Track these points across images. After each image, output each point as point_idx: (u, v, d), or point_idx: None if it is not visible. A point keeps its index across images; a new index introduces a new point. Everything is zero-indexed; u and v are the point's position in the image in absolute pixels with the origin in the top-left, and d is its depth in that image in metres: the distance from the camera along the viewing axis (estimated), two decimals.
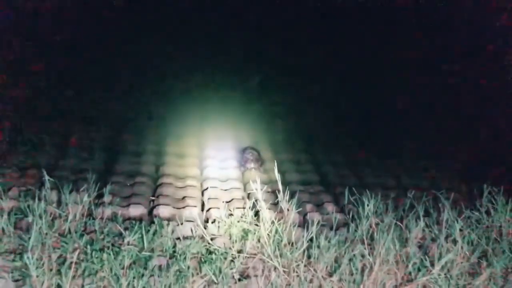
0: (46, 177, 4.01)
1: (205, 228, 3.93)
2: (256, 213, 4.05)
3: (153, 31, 6.55)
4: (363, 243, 3.78)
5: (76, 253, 3.52)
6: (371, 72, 6.52)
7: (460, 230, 3.86)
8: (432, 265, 3.63)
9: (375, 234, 3.82)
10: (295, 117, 6.20)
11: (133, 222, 3.99)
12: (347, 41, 6.81)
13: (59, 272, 3.39)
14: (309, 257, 3.70)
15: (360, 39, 6.72)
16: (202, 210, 4.28)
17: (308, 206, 4.49)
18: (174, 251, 3.72)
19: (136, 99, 6.03)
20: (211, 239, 3.86)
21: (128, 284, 3.35)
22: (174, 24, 6.66)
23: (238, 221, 4.01)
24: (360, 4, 6.54)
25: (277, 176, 4.03)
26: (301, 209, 4.29)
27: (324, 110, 6.35)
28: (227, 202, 4.41)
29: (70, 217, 3.87)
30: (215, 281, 3.51)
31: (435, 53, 6.37)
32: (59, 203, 4.05)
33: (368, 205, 4.04)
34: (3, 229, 3.73)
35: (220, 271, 3.54)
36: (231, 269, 3.61)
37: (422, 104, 6.34)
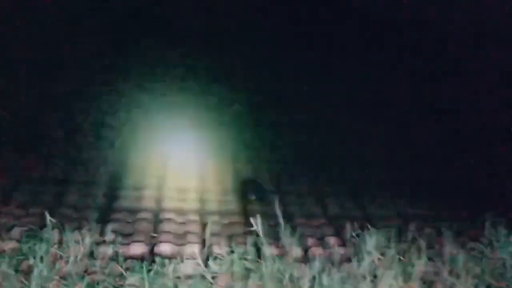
0: (48, 218, 4.01)
1: (206, 266, 3.92)
2: (258, 250, 4.05)
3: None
4: (366, 279, 3.77)
5: None
6: (366, 101, 6.53)
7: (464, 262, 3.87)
8: None
9: (378, 269, 3.84)
10: (296, 146, 6.18)
11: (135, 261, 3.99)
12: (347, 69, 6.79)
13: None
14: None
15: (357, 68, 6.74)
16: (203, 247, 4.25)
17: (311, 240, 4.47)
18: None
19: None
20: (213, 278, 3.83)
21: None
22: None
23: (240, 259, 3.99)
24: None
25: (278, 209, 4.03)
26: (303, 245, 4.30)
27: (325, 138, 6.33)
28: (229, 237, 4.39)
29: (72, 258, 3.87)
30: None
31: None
32: (60, 243, 4.05)
33: (370, 239, 4.06)
34: (4, 273, 3.72)
35: None
36: None
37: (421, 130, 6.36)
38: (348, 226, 4.31)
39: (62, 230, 4.06)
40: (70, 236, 4.00)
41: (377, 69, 6.49)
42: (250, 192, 5.09)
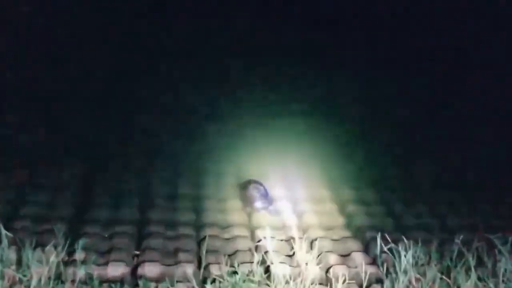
0: (3, 232, 3.81)
1: None
2: (267, 269, 3.92)
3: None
4: None
5: None
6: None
7: None
8: None
9: None
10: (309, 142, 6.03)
11: (113, 285, 3.76)
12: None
13: None
14: None
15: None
16: (199, 267, 4.03)
17: (332, 258, 4.18)
18: None
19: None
20: None
21: None
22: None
23: (244, 281, 3.77)
24: None
25: (292, 219, 3.98)
26: (322, 263, 4.05)
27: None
28: (230, 255, 4.15)
29: (33, 282, 3.64)
30: None
31: None
32: (19, 263, 3.81)
33: (406, 255, 3.86)
34: None
35: None
36: None
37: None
38: (378, 239, 4.06)
39: (21, 247, 3.87)
40: (31, 255, 3.80)
41: None
42: (253, 198, 4.82)
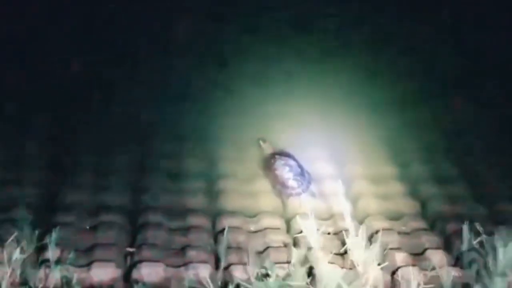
0: None
1: None
2: (310, 271, 3.97)
3: None
4: None
5: None
6: None
7: None
8: None
9: None
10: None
11: None
12: None
13: None
14: None
15: None
16: (217, 268, 4.10)
17: (400, 257, 4.21)
18: None
19: None
20: None
21: None
22: None
23: (280, 286, 3.83)
24: None
25: (344, 205, 3.96)
26: (387, 262, 4.09)
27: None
28: (258, 253, 4.23)
29: None
30: None
31: None
32: None
33: (504, 252, 3.91)
34: None
35: None
36: None
37: None
38: (463, 231, 4.14)
39: None
40: None
41: None
42: (282, 178, 4.90)
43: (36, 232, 4.06)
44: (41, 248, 4.05)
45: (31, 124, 5.86)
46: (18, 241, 3.96)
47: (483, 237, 4.07)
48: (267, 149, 5.09)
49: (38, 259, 4.03)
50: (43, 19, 7.26)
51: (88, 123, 5.94)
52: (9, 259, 3.83)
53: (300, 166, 4.92)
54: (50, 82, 6.42)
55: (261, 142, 5.09)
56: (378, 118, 5.98)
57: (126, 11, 7.35)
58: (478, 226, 4.19)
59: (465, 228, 4.16)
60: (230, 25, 7.49)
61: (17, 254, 3.85)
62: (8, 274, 3.80)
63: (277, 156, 4.98)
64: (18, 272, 3.86)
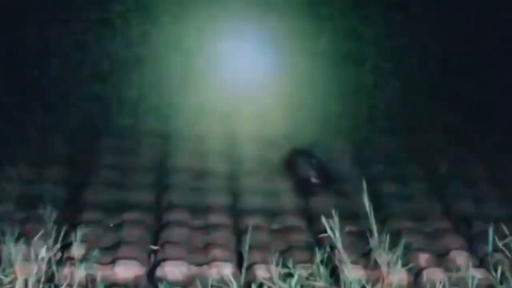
0: None
1: None
2: (333, 271, 3.99)
3: None
4: None
5: None
6: None
7: None
8: None
9: None
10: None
11: None
12: None
13: None
14: None
15: None
16: (239, 267, 4.14)
17: (424, 257, 4.28)
18: None
19: None
20: None
21: None
22: None
23: (303, 286, 3.89)
24: None
25: (366, 205, 3.99)
26: (412, 264, 4.12)
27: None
28: (281, 252, 4.25)
29: (19, 284, 3.78)
30: None
31: None
32: None
33: None
34: None
35: None
36: None
37: None
38: (489, 232, 4.12)
39: (1, 240, 4.01)
40: (14, 250, 3.90)
41: None
42: (308, 173, 5.00)
43: (61, 230, 4.07)
44: (66, 246, 4.08)
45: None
46: (44, 239, 3.99)
47: (509, 239, 4.07)
48: (289, 146, 5.15)
49: (63, 257, 4.06)
50: None
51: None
52: (36, 256, 3.85)
53: (322, 163, 4.98)
54: None
55: (282, 140, 5.14)
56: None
57: None
58: (505, 227, 4.19)
59: (491, 229, 4.14)
60: None
61: (43, 252, 3.86)
62: (34, 271, 3.81)
63: (299, 153, 5.03)
64: (43, 269, 3.87)
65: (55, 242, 3.98)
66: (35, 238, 3.99)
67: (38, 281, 3.82)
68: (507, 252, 4.00)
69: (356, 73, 6.61)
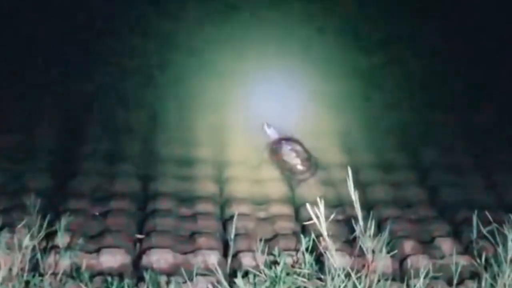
0: None
1: None
2: (319, 258, 3.99)
3: None
4: None
5: None
6: None
7: None
8: None
9: None
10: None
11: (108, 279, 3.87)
12: None
13: None
14: None
15: None
16: (225, 255, 4.14)
17: (409, 244, 4.29)
18: None
19: None
20: None
21: None
22: None
23: (288, 274, 3.87)
24: None
25: (352, 192, 3.93)
26: (396, 250, 4.11)
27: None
28: (267, 240, 4.26)
29: (2, 273, 3.74)
30: None
31: None
32: None
33: None
34: None
35: None
36: None
37: None
38: (473, 219, 4.10)
39: None
40: None
41: None
42: (290, 164, 4.99)
43: (46, 218, 4.05)
44: (51, 234, 4.05)
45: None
46: (28, 227, 3.95)
47: (493, 226, 4.04)
48: (273, 135, 5.14)
49: (48, 245, 4.04)
50: None
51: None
52: (19, 245, 3.81)
53: (306, 151, 4.98)
54: None
55: (266, 128, 5.13)
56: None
57: None
58: (488, 214, 4.17)
59: (475, 216, 4.11)
60: None
61: (27, 240, 3.84)
62: (19, 260, 3.79)
63: (283, 142, 5.04)
64: (28, 258, 3.85)
65: (39, 230, 3.96)
66: (19, 227, 3.98)
67: (22, 269, 3.80)
68: (491, 239, 4.00)
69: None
